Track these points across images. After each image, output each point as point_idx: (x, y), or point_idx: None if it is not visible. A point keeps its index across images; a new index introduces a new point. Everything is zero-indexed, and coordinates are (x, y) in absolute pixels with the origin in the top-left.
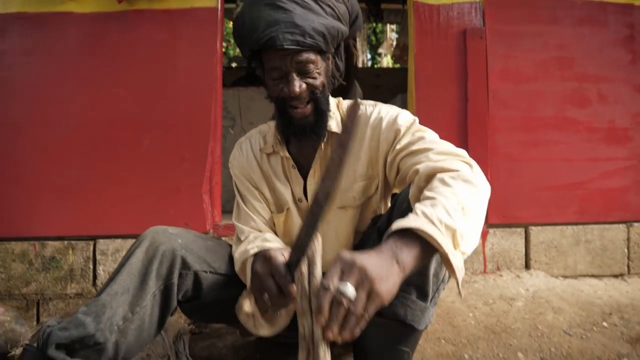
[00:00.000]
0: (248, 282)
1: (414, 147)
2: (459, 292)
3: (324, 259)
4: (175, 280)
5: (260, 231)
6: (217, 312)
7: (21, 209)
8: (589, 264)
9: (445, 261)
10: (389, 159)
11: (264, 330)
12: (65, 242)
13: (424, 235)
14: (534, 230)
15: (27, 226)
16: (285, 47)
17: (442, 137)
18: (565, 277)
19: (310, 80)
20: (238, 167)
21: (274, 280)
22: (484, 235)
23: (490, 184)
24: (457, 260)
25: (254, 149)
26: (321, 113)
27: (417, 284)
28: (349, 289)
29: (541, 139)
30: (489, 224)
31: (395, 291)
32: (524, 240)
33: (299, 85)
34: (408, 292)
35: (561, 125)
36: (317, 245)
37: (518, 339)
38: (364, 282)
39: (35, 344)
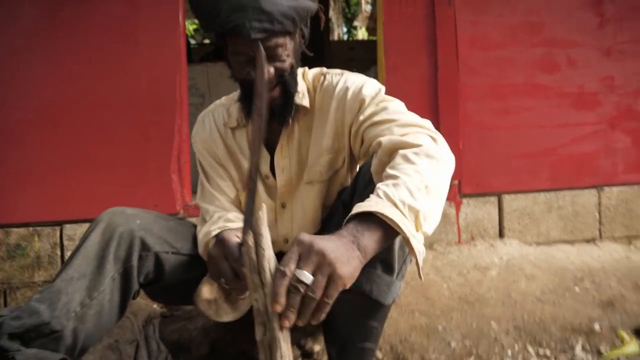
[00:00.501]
0: None
1: (377, 118)
2: (419, 275)
3: (291, 235)
4: (134, 262)
5: (225, 210)
6: (182, 293)
7: None
8: (561, 230)
9: (407, 244)
10: (352, 130)
11: (227, 315)
12: (31, 228)
13: (385, 219)
14: (507, 199)
15: None
16: (253, 36)
17: (412, 106)
18: (538, 244)
19: (278, 64)
20: (201, 142)
21: (228, 264)
22: (457, 205)
23: (463, 154)
24: (419, 244)
25: (217, 123)
26: (289, 95)
27: (382, 259)
28: (305, 275)
29: (512, 106)
30: (462, 194)
31: (357, 274)
32: (497, 209)
33: (266, 71)
34: (373, 267)
35: (531, 91)
36: (262, 216)
37: (492, 308)
38: (323, 265)
39: None
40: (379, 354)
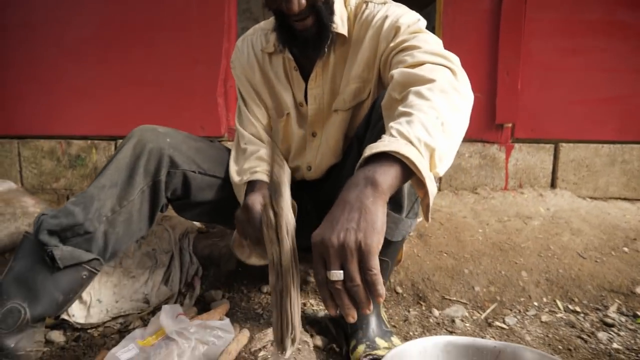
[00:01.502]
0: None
1: (404, 45)
2: (427, 218)
3: (314, 163)
4: (163, 177)
5: (260, 140)
6: (206, 211)
7: (46, 108)
8: (622, 186)
9: (419, 184)
10: (383, 58)
11: (256, 261)
12: (89, 141)
13: (401, 158)
14: (564, 147)
15: (54, 125)
16: None
17: (469, 41)
18: (593, 198)
19: None
20: (239, 67)
21: (252, 230)
22: (508, 150)
23: (520, 95)
24: (433, 185)
25: (255, 48)
26: (323, 25)
27: (390, 196)
28: (334, 273)
29: (582, 46)
30: (514, 138)
31: (382, 222)
32: (552, 157)
33: (297, 2)
34: None
35: (608, 30)
36: (282, 174)
37: (525, 258)
38: (345, 252)
39: None
40: (399, 289)
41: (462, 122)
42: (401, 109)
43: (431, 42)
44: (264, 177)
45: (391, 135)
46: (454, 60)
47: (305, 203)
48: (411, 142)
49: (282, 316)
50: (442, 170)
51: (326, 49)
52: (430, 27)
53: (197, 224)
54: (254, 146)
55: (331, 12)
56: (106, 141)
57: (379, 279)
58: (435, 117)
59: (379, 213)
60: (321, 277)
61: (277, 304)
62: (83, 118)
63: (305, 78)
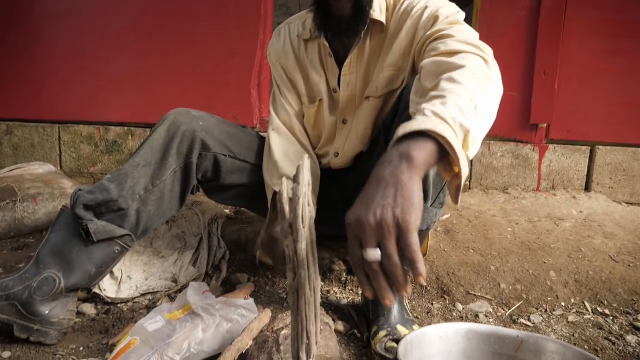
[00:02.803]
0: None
1: (440, 34)
2: (455, 201)
3: (341, 150)
4: (194, 159)
5: (291, 128)
6: (235, 195)
7: (87, 94)
8: None
9: (450, 166)
10: (418, 47)
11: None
12: (126, 127)
13: (436, 136)
14: (601, 150)
15: (93, 111)
16: None
17: (507, 39)
18: (629, 203)
19: None
20: (275, 54)
21: (277, 261)
22: (542, 150)
23: (557, 95)
24: (466, 167)
25: (292, 35)
26: (360, 9)
27: None
28: (371, 253)
29: (623, 47)
30: (549, 138)
31: (418, 197)
32: (587, 160)
33: None
34: None
35: None
36: (303, 164)
37: (555, 259)
38: (383, 230)
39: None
40: (422, 281)
41: (493, 108)
42: (433, 93)
43: (467, 33)
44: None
45: (424, 115)
46: (487, 51)
47: (331, 192)
48: (446, 121)
49: (297, 322)
50: (472, 153)
51: (362, 35)
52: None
53: (226, 210)
54: (282, 135)
55: None
56: (142, 128)
57: (420, 256)
58: (469, 100)
59: (416, 188)
60: (357, 258)
61: (293, 307)
62: (121, 105)
63: (340, 64)
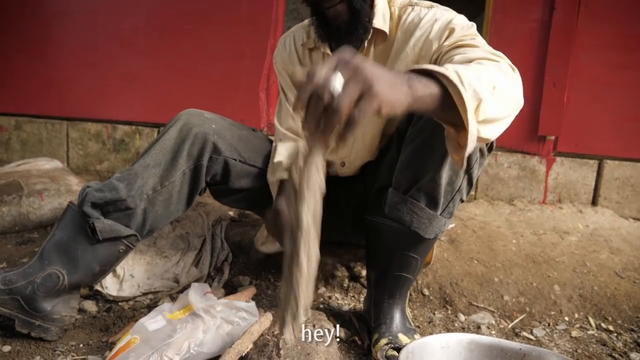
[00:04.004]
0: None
1: (462, 42)
2: (460, 165)
3: (348, 159)
4: (205, 162)
5: (297, 134)
6: (243, 198)
7: (96, 92)
8: None
9: (457, 127)
10: (434, 56)
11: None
12: (133, 126)
13: (446, 84)
14: (609, 164)
15: (101, 109)
16: None
17: (517, 49)
18: (637, 219)
19: None
20: (281, 62)
21: (280, 235)
22: (549, 163)
23: (566, 108)
24: (473, 126)
25: (296, 43)
26: (355, 12)
27: (427, 191)
28: (334, 83)
29: (636, 61)
30: (557, 151)
31: (398, 106)
32: (595, 174)
33: None
34: (417, 199)
35: None
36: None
37: (559, 272)
38: (359, 78)
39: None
40: (425, 291)
41: (512, 99)
42: (460, 64)
43: (487, 46)
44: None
45: (445, 68)
46: (510, 62)
47: (338, 199)
48: (461, 81)
49: (287, 287)
50: (486, 131)
51: (366, 44)
52: None
53: (230, 212)
54: (287, 141)
55: (363, 2)
56: (150, 127)
57: (355, 127)
58: (490, 79)
59: (401, 101)
60: (317, 76)
61: (285, 272)
62: (129, 104)
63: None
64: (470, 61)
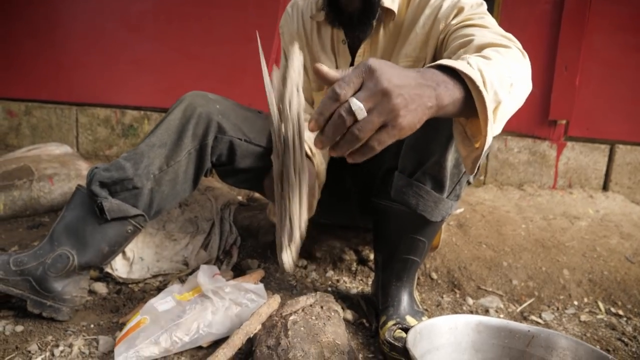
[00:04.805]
0: None
1: (471, 22)
2: (471, 171)
3: None
4: (210, 141)
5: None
6: (249, 179)
7: (105, 77)
8: None
9: (474, 131)
10: (441, 36)
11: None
12: (142, 112)
13: (472, 88)
14: (620, 149)
15: (110, 94)
16: None
17: (529, 33)
18: None
19: None
20: (288, 34)
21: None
22: (560, 148)
23: (578, 91)
24: (490, 136)
25: (304, 15)
26: (369, 1)
27: (432, 174)
28: (360, 108)
29: None
30: (568, 136)
31: (419, 126)
32: (606, 159)
33: None
34: (422, 182)
35: None
36: (292, 53)
37: (569, 257)
38: (385, 107)
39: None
40: (434, 275)
41: (525, 92)
42: (477, 55)
43: (496, 25)
44: None
45: (469, 64)
46: (520, 46)
47: (344, 182)
48: (484, 82)
49: (280, 206)
50: (497, 129)
51: (374, 23)
52: None
53: (239, 196)
54: None
55: None
56: (158, 112)
57: (371, 154)
58: (508, 76)
59: (422, 120)
60: (342, 96)
61: (277, 192)
62: (138, 89)
63: (353, 53)
64: (482, 46)
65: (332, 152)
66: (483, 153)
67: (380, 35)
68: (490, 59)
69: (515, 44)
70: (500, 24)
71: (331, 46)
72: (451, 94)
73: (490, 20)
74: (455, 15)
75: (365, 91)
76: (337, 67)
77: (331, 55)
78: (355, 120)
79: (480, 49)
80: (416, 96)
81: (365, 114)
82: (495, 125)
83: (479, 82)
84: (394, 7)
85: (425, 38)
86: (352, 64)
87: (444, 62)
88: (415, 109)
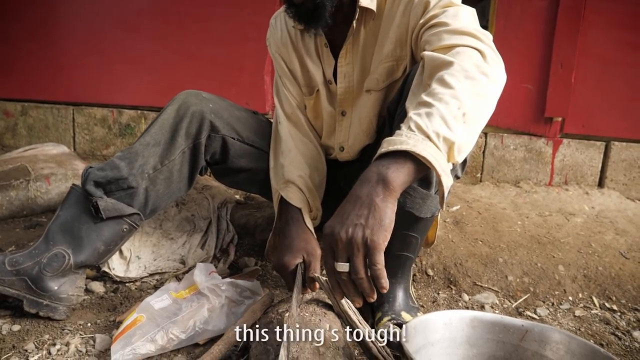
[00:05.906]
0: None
1: (433, 21)
2: (441, 205)
3: (346, 144)
4: (203, 140)
5: (298, 120)
6: (244, 179)
7: (102, 77)
8: None
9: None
10: (413, 36)
11: None
12: (139, 111)
13: (417, 156)
14: (616, 146)
15: (107, 94)
16: None
17: (524, 32)
18: None
19: None
20: (274, 45)
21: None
22: (555, 145)
23: (573, 88)
24: (448, 179)
25: (288, 25)
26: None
27: None
28: (341, 265)
29: None
30: (563, 133)
31: (390, 220)
32: (602, 156)
33: None
34: None
35: None
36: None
37: (564, 253)
38: (353, 247)
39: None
40: (429, 272)
41: (487, 108)
42: (424, 97)
43: (462, 17)
44: (297, 199)
45: (409, 128)
46: (485, 38)
47: (338, 182)
48: (429, 137)
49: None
50: (460, 159)
51: (355, 25)
52: (485, 19)
53: (236, 195)
54: (283, 147)
55: None
56: (155, 112)
57: (383, 273)
58: (457, 108)
59: (388, 210)
60: (329, 267)
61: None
62: (135, 88)
63: (336, 55)
64: (447, 48)
65: (374, 296)
66: (446, 192)
67: (362, 35)
68: (433, 105)
69: (473, 41)
70: (496, 21)
71: (315, 51)
72: (401, 171)
73: (455, 11)
74: (423, 12)
75: (336, 251)
76: (323, 72)
77: (317, 60)
78: (348, 273)
79: (431, 73)
80: (368, 211)
81: (347, 265)
82: (459, 156)
83: (423, 153)
84: (373, 6)
85: (403, 36)
86: (335, 66)
87: (385, 148)
88: (376, 225)
